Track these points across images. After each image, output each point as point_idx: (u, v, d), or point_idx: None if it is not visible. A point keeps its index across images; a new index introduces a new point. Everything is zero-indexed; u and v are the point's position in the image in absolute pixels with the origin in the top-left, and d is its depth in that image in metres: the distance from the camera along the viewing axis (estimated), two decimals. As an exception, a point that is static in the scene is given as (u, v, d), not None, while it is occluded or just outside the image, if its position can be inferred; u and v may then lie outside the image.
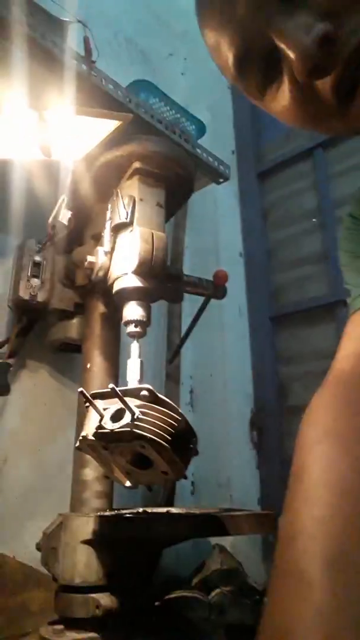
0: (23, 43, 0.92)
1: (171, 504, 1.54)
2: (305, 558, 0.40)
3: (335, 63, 0.42)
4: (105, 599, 1.01)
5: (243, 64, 0.48)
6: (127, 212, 1.05)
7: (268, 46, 0.45)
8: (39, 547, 1.10)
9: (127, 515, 1.07)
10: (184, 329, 1.79)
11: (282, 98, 0.48)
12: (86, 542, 1.02)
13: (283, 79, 0.46)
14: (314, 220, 1.92)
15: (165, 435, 0.82)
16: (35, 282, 1.24)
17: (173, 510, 1.20)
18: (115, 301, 1.10)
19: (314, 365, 1.79)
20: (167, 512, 1.17)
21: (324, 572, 0.38)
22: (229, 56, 0.48)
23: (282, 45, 0.43)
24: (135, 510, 1.14)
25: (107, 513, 1.08)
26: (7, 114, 0.79)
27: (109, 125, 1.04)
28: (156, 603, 1.17)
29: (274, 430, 1.81)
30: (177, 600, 1.26)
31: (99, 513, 1.06)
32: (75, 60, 1.08)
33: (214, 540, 1.59)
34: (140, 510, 1.16)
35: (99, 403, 0.89)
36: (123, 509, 1.17)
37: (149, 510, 1.19)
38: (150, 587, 1.23)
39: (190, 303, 1.58)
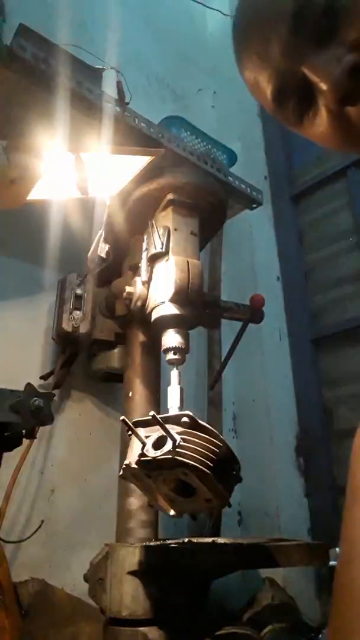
0: (62, 93, 0.98)
1: (217, 535, 1.50)
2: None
3: None
4: (153, 633, 0.99)
5: (281, 97, 0.52)
6: (162, 242, 1.08)
7: (302, 80, 0.49)
8: (86, 578, 1.10)
9: (173, 545, 1.06)
10: (224, 355, 1.79)
11: (319, 124, 0.51)
12: (132, 572, 1.01)
13: (319, 107, 0.50)
14: (350, 240, 1.89)
15: (207, 461, 0.82)
16: (77, 314, 1.29)
17: (219, 540, 1.17)
18: (154, 330, 1.12)
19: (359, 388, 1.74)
20: (213, 541, 1.14)
21: None
22: (267, 92, 0.53)
23: (315, 79, 0.47)
24: (180, 540, 1.13)
25: (153, 543, 1.07)
26: (48, 159, 0.84)
27: (142, 160, 1.08)
28: None
29: (321, 456, 1.75)
30: (228, 636, 1.21)
31: (144, 543, 1.06)
32: (109, 103, 1.14)
33: (264, 573, 1.53)
34: (186, 540, 1.14)
35: (140, 431, 0.90)
36: (168, 540, 1.16)
37: (195, 540, 1.17)
38: (198, 621, 1.19)
39: (230, 329, 1.59)
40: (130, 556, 1.02)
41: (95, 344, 1.36)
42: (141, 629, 0.98)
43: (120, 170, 1.08)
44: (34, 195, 0.87)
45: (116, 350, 1.37)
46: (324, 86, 0.46)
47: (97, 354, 1.40)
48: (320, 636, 1.29)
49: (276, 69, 0.50)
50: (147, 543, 1.06)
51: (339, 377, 1.82)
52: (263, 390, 1.83)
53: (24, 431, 0.71)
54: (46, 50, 1.09)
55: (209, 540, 1.18)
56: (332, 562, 1.14)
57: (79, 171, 0.90)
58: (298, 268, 2.04)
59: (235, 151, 1.51)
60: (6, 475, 1.15)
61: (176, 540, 1.13)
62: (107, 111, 1.12)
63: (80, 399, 1.45)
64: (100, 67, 1.28)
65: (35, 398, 0.66)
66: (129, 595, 1.00)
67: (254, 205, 1.54)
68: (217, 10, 2.50)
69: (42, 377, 1.32)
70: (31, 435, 0.71)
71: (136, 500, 1.12)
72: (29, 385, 0.68)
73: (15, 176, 0.77)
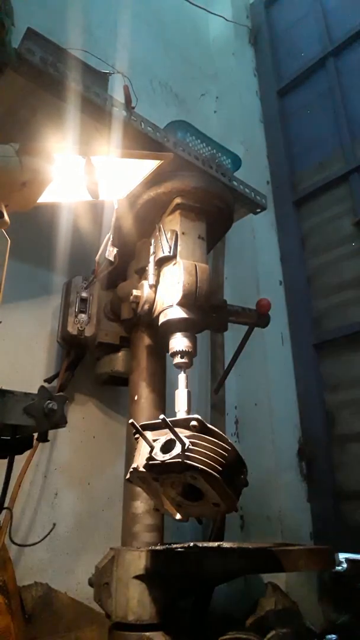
0: (71, 96, 0.98)
1: (221, 539, 1.50)
2: None
3: None
4: (159, 638, 0.98)
5: None
6: (170, 246, 1.08)
7: None
8: (91, 583, 1.09)
9: (179, 549, 1.05)
10: (226, 358, 1.79)
11: None
12: (138, 577, 1.00)
13: None
14: (353, 245, 1.90)
15: (216, 465, 0.81)
16: (83, 317, 1.28)
17: (225, 544, 1.17)
18: (161, 333, 1.12)
19: (362, 392, 1.74)
20: (219, 546, 1.14)
21: None
22: None
23: None
24: (186, 545, 1.13)
25: (159, 547, 1.07)
26: (58, 162, 0.84)
27: (149, 165, 1.08)
28: (211, 644, 1.12)
29: (324, 461, 1.75)
30: (232, 641, 1.21)
31: (150, 547, 1.05)
32: (116, 107, 1.15)
33: (267, 578, 1.53)
34: (191, 544, 1.14)
35: (148, 434, 0.90)
36: (174, 544, 1.16)
37: (200, 544, 1.16)
38: (203, 626, 1.19)
39: (232, 332, 1.59)
40: (136, 560, 1.02)
41: (99, 347, 1.36)
42: (147, 633, 0.97)
43: (128, 173, 1.08)
44: (44, 198, 0.87)
45: (121, 354, 1.36)
46: None
47: (101, 357, 1.39)
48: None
49: None
50: (153, 547, 1.06)
51: (341, 382, 1.82)
52: (265, 394, 1.83)
53: (35, 434, 0.71)
54: (54, 54, 1.09)
55: (215, 544, 1.18)
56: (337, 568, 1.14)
57: (89, 174, 0.90)
58: (300, 272, 2.04)
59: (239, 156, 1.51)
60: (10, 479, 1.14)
61: (182, 545, 1.13)
62: (115, 115, 1.13)
63: (84, 402, 1.44)
64: (107, 71, 1.29)
65: (49, 401, 0.66)
66: (134, 600, 0.99)
67: (258, 210, 1.55)
68: (220, 16, 2.52)
69: (46, 380, 1.32)
70: (44, 438, 0.70)
71: (142, 504, 1.12)
72: (42, 388, 0.68)
73: (26, 179, 0.77)
